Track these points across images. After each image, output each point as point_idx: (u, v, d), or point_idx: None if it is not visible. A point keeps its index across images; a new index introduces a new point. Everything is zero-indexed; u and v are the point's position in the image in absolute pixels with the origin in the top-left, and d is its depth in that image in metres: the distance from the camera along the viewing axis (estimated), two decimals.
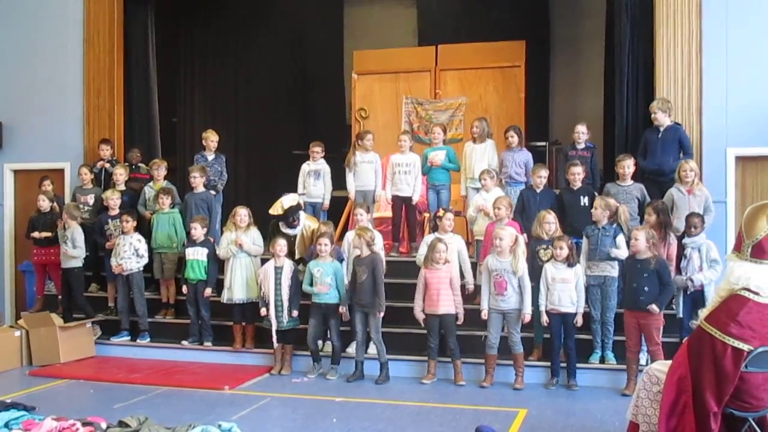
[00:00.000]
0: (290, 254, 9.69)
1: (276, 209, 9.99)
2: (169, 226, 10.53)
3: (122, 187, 11.04)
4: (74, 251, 10.25)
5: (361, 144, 10.81)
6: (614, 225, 8.74)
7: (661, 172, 9.52)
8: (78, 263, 10.43)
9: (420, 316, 8.86)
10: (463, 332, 8.93)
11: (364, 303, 8.95)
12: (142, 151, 11.80)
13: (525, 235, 9.09)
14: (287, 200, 10.04)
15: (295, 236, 10.00)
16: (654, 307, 7.93)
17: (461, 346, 8.84)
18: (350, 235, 9.76)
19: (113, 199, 10.72)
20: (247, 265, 9.87)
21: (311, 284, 9.15)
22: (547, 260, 8.66)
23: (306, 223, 10.13)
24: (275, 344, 9.36)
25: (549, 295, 8.52)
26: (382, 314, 8.97)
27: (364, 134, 10.97)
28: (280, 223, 10.01)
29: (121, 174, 11.11)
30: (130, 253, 10.24)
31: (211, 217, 10.63)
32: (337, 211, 11.53)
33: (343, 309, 9.13)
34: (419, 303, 8.86)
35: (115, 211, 10.67)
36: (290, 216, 9.93)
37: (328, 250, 9.18)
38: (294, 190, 11.11)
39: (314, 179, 10.90)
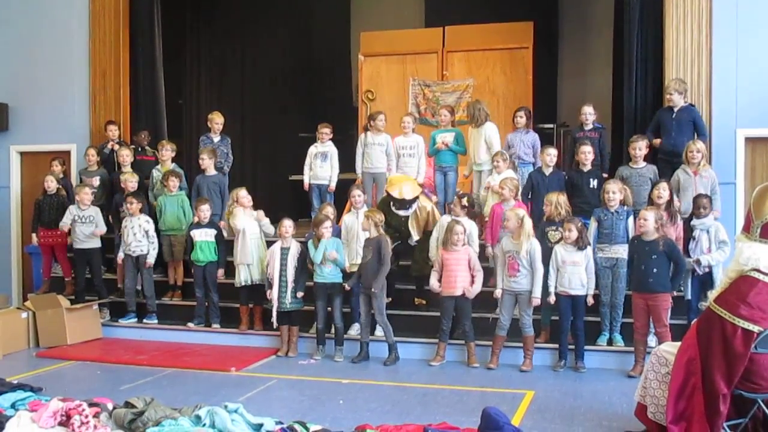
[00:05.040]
0: (398, 233, 9.52)
1: (396, 192, 9.55)
2: (177, 208, 10.54)
3: (128, 169, 11.00)
4: (100, 231, 10.54)
5: (372, 125, 10.73)
6: (625, 207, 8.72)
7: (677, 153, 9.38)
8: (97, 244, 10.53)
9: (436, 288, 8.81)
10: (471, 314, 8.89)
11: (367, 284, 8.92)
12: (149, 133, 11.75)
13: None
14: (408, 191, 9.55)
15: (406, 217, 9.65)
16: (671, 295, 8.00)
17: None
18: (347, 217, 9.76)
19: (132, 182, 10.67)
20: (255, 248, 9.87)
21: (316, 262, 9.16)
22: (556, 242, 8.62)
23: (421, 203, 9.71)
24: (275, 324, 9.39)
25: (559, 278, 8.48)
26: (385, 298, 8.96)
27: (376, 115, 10.84)
28: (392, 204, 9.64)
29: (126, 155, 11.08)
30: (140, 236, 10.26)
31: (223, 200, 10.67)
32: (344, 193, 11.43)
33: (347, 287, 9.16)
34: (435, 280, 8.82)
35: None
36: (408, 204, 9.56)
37: (329, 234, 9.17)
38: (300, 172, 11.11)
39: (321, 161, 10.85)
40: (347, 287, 9.17)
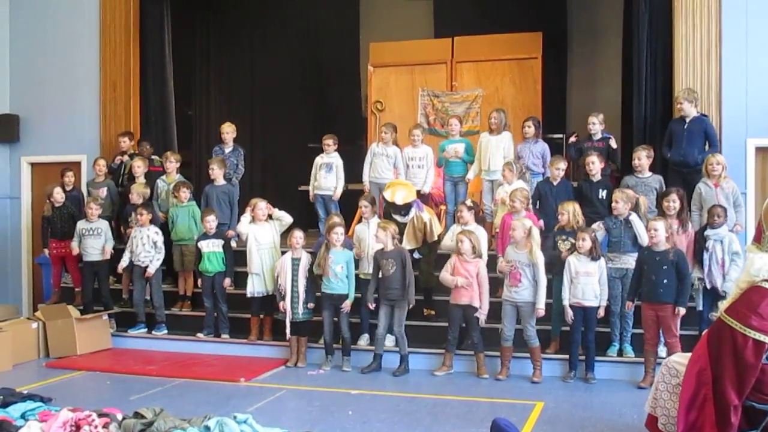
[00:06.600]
0: (399, 241, 9.40)
1: (392, 197, 9.60)
2: (189, 218, 10.54)
3: (143, 180, 11.00)
4: (107, 245, 10.56)
5: (382, 136, 10.78)
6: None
7: (685, 164, 9.38)
8: (106, 256, 10.56)
9: (449, 279, 8.79)
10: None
11: (392, 296, 8.91)
12: (153, 144, 11.74)
13: (541, 223, 9.09)
14: (400, 197, 9.57)
15: (404, 224, 9.62)
16: (682, 310, 7.94)
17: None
18: (359, 227, 9.80)
19: (136, 193, 10.68)
20: (267, 258, 9.85)
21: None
22: (567, 250, 8.58)
23: (418, 213, 9.67)
24: (288, 336, 9.36)
25: (572, 289, 8.44)
26: (410, 307, 8.97)
27: (382, 126, 10.94)
28: (391, 210, 9.71)
29: (139, 166, 11.04)
30: (149, 247, 10.26)
31: (232, 210, 10.67)
32: (352, 203, 11.45)
33: (371, 305, 9.11)
34: (448, 274, 8.79)
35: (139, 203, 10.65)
36: (403, 210, 9.59)
37: (341, 240, 9.16)
38: (308, 183, 11.12)
39: (326, 171, 10.86)
40: (371, 307, 9.12)
